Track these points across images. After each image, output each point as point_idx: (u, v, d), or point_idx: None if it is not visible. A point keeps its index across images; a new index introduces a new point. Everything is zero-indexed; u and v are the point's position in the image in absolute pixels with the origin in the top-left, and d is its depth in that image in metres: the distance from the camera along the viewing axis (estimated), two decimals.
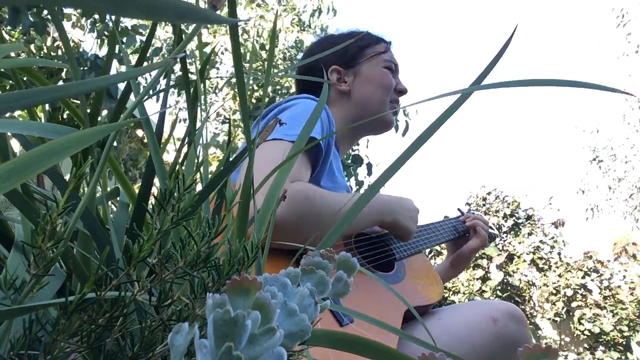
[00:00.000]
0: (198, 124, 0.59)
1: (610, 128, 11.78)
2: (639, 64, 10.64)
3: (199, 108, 0.60)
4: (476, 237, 1.24)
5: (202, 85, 0.62)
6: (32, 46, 2.14)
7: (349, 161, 3.67)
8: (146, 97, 0.49)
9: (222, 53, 5.08)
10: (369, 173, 3.73)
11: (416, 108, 3.77)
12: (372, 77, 1.18)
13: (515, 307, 0.94)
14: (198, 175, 0.41)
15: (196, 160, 0.56)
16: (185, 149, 0.61)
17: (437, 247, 5.96)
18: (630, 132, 11.31)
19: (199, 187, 0.49)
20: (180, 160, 0.61)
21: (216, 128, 5.10)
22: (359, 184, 3.75)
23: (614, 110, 11.61)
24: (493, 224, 1.46)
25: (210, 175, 0.55)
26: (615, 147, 11.59)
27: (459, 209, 1.38)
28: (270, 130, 0.61)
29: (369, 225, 0.97)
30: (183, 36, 0.74)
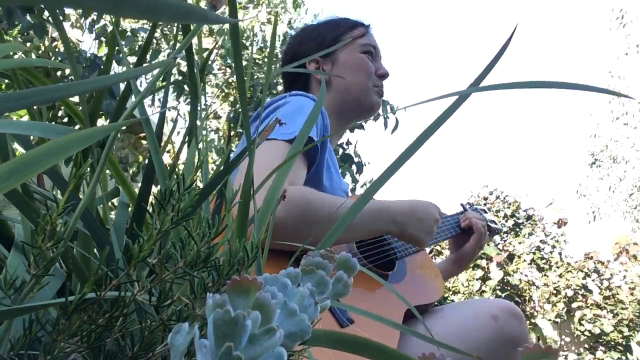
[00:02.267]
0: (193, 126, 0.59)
1: (609, 130, 11.84)
2: (636, 66, 10.71)
3: (198, 107, 0.60)
4: (475, 234, 1.24)
5: (201, 84, 0.62)
6: (29, 45, 2.13)
7: (340, 162, 3.65)
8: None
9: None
10: (359, 172, 3.70)
11: (409, 107, 3.71)
12: (349, 63, 1.16)
13: (514, 305, 0.95)
14: (199, 174, 0.41)
15: (195, 160, 0.56)
16: (182, 151, 0.61)
17: (438, 247, 5.96)
18: (630, 131, 11.36)
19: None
20: (177, 158, 0.61)
21: (204, 129, 5.02)
22: (355, 181, 3.74)
23: (610, 112, 11.69)
24: (495, 219, 1.45)
25: (210, 176, 0.55)
26: (614, 149, 11.64)
27: (462, 205, 1.38)
28: (270, 130, 0.61)
29: (377, 234, 0.96)
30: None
